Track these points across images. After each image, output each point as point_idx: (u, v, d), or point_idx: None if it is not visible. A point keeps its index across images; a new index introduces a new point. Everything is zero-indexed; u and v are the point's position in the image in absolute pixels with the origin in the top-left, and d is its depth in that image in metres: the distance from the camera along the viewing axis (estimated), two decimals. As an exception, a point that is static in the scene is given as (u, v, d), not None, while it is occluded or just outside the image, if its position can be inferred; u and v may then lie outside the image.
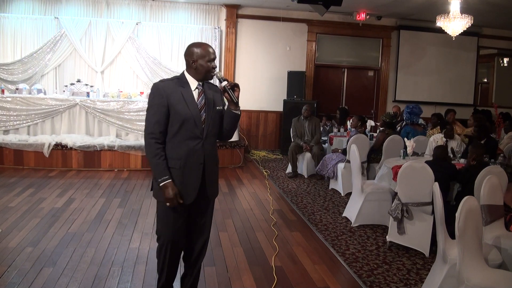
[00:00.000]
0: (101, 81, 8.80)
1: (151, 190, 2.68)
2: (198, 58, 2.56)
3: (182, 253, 2.84)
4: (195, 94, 2.61)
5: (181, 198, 2.56)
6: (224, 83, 2.63)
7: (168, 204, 2.53)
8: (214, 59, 2.60)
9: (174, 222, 2.64)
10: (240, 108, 2.71)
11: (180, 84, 2.59)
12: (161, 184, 2.51)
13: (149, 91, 2.72)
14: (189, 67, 2.61)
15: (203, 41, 9.19)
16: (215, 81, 2.73)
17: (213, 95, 2.68)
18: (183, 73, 2.65)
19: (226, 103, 2.74)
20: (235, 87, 2.65)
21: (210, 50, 2.59)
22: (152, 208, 5.06)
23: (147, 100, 2.80)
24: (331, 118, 8.99)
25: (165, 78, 2.73)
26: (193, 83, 2.61)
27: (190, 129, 2.56)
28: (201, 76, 2.60)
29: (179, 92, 2.55)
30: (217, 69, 2.66)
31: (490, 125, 7.17)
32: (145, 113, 2.60)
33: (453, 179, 4.27)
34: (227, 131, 2.77)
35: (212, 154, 2.70)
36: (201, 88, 2.63)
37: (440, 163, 4.26)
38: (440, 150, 4.40)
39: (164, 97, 2.52)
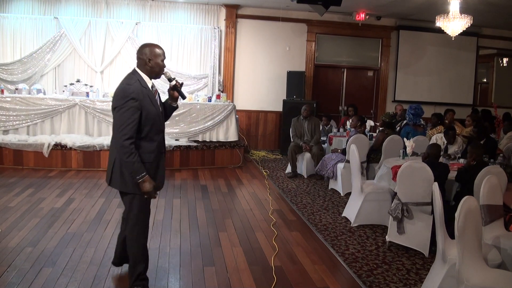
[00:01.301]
0: (100, 81, 8.80)
1: (110, 183, 2.89)
2: (154, 57, 2.82)
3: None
4: (153, 91, 2.89)
5: (155, 188, 2.86)
6: (173, 82, 2.97)
7: (146, 197, 2.82)
8: (165, 59, 2.91)
9: (148, 209, 2.99)
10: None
11: (142, 85, 2.80)
12: (140, 180, 2.73)
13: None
14: (143, 65, 2.84)
15: (203, 41, 9.31)
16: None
17: (173, 91, 3.05)
18: (136, 72, 2.85)
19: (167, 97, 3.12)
20: (182, 85, 3.05)
21: (162, 50, 2.89)
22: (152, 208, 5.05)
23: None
24: (331, 118, 8.98)
25: (129, 80, 2.83)
26: (148, 82, 2.86)
27: (158, 126, 2.89)
28: (153, 74, 2.88)
29: (146, 94, 2.79)
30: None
31: (490, 125, 7.17)
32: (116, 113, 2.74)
33: (446, 178, 4.27)
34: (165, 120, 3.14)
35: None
36: (155, 88, 2.94)
37: (435, 161, 4.26)
38: (435, 148, 4.40)
39: (138, 101, 2.72)
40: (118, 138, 2.71)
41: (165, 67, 2.91)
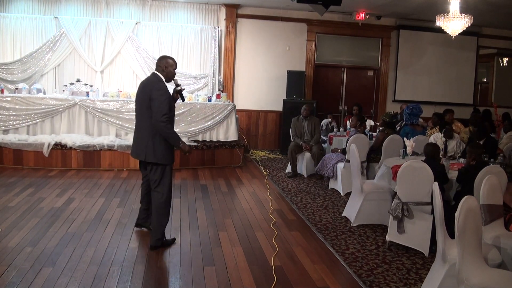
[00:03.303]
0: (100, 80, 8.80)
1: (157, 163, 3.81)
2: (169, 66, 3.88)
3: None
4: None
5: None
6: (179, 87, 4.02)
7: (188, 153, 3.91)
8: (176, 68, 3.95)
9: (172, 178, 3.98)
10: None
11: (166, 84, 3.85)
12: (181, 145, 3.79)
13: None
14: (161, 71, 3.87)
15: (203, 41, 9.30)
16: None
17: (176, 95, 4.09)
18: (158, 75, 3.84)
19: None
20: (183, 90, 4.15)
21: (174, 62, 3.94)
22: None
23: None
24: (335, 117, 8.96)
25: (160, 79, 3.87)
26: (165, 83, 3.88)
27: (173, 114, 3.93)
28: (167, 79, 3.89)
29: (168, 90, 3.83)
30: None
31: (489, 124, 7.17)
32: (157, 102, 3.71)
33: (443, 178, 4.26)
34: None
35: None
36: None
37: (432, 161, 4.25)
38: (431, 147, 4.40)
39: (169, 94, 3.82)
40: (160, 118, 3.66)
41: (175, 74, 3.93)
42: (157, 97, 3.69)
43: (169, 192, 3.92)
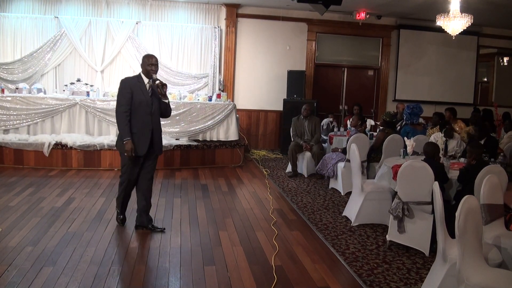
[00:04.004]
0: (101, 80, 8.80)
1: (115, 146, 4.30)
2: (143, 63, 4.15)
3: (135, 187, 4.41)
4: (147, 87, 4.15)
5: (134, 152, 4.06)
6: (157, 82, 4.14)
7: (125, 154, 4.05)
8: (153, 64, 4.12)
9: (132, 167, 4.20)
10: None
11: (138, 80, 4.15)
12: (125, 141, 4.02)
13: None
14: (141, 69, 4.18)
15: (203, 41, 9.29)
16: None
17: (157, 89, 4.22)
18: (139, 73, 4.19)
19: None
20: (164, 85, 4.18)
21: (152, 59, 4.16)
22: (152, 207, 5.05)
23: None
24: (336, 117, 8.96)
25: (130, 76, 4.29)
26: (144, 79, 4.16)
27: (144, 108, 4.10)
28: (146, 75, 4.14)
29: (138, 85, 4.11)
30: (155, 75, 4.17)
31: (490, 124, 7.16)
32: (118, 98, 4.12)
33: (442, 178, 4.26)
34: (162, 113, 4.33)
35: (158, 124, 4.27)
36: (149, 84, 4.16)
37: (431, 160, 4.25)
38: (431, 147, 4.39)
39: (129, 87, 4.07)
40: (117, 109, 4.06)
41: (153, 71, 4.11)
42: (118, 90, 4.12)
43: (125, 178, 4.24)
